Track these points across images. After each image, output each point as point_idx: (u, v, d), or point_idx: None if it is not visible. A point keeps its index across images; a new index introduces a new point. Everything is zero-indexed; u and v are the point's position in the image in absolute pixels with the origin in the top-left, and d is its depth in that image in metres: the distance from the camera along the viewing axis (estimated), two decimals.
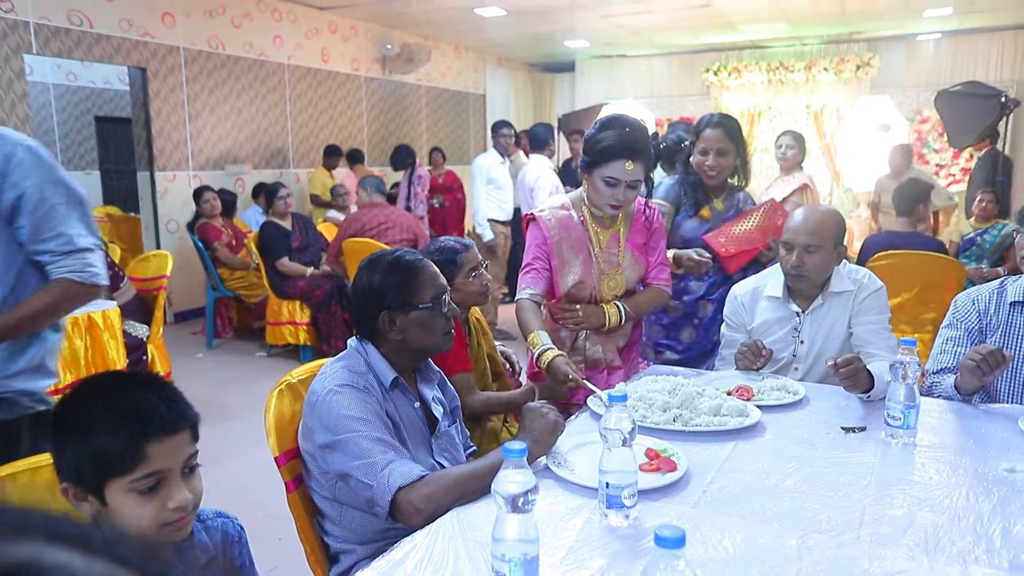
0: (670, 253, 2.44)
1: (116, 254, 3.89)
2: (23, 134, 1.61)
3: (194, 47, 6.12)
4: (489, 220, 5.64)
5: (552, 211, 2.21)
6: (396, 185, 6.85)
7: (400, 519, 1.36)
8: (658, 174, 3.31)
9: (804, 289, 2.16)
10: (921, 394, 2.00)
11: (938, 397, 1.99)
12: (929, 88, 7.84)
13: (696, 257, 2.47)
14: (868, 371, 1.85)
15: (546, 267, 2.17)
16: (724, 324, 2.33)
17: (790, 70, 8.78)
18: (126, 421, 1.04)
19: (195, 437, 1.12)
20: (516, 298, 2.14)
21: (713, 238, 2.60)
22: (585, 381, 1.87)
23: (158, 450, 1.04)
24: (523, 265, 2.19)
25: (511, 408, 2.13)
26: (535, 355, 1.98)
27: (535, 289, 2.12)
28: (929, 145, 8.29)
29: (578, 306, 2.18)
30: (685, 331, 2.66)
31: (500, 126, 5.85)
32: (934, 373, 2.08)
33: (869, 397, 1.87)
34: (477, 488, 1.36)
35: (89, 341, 3.05)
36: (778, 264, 2.24)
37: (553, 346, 1.96)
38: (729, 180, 2.67)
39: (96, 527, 0.33)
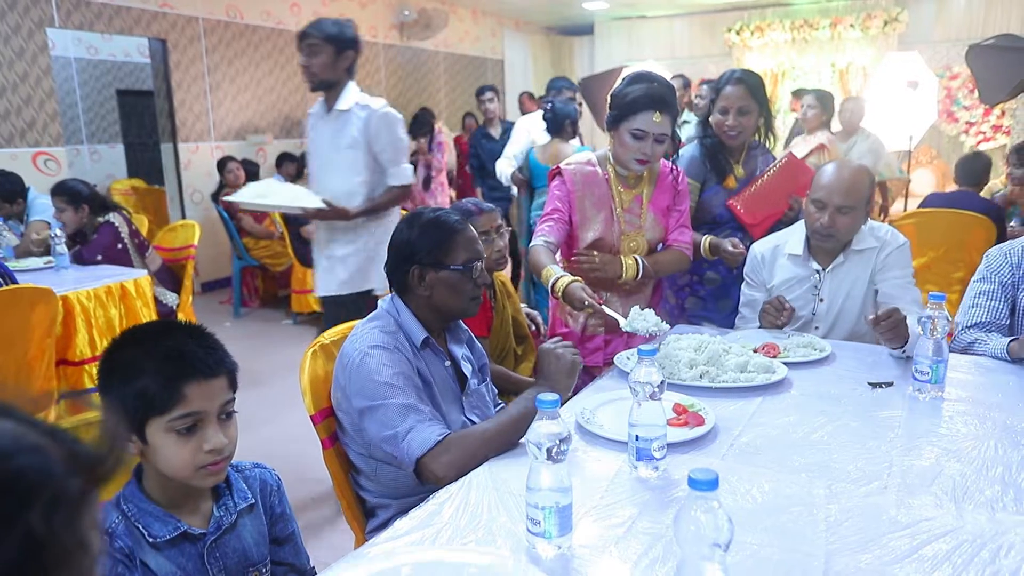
0: (706, 241, 2.36)
1: (143, 225, 3.94)
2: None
3: (213, 17, 6.11)
4: None
5: (578, 166, 2.21)
6: (416, 153, 6.81)
7: (429, 483, 1.40)
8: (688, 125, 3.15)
9: (828, 248, 2.14)
10: (954, 350, 1.97)
11: (979, 355, 1.94)
12: (960, 43, 7.61)
13: (731, 249, 2.30)
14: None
15: (564, 219, 2.17)
16: (744, 283, 2.33)
17: (815, 28, 8.58)
18: (167, 363, 1.10)
19: (232, 386, 1.16)
20: (530, 244, 2.15)
21: (738, 205, 2.47)
22: (602, 306, 1.87)
23: (196, 392, 1.10)
24: (542, 215, 2.21)
25: (518, 390, 2.10)
26: (550, 285, 1.96)
27: (549, 237, 2.13)
28: (959, 102, 8.09)
29: (595, 253, 2.17)
30: (721, 302, 2.63)
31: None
32: (967, 327, 2.04)
33: (904, 351, 1.86)
34: (503, 443, 1.40)
35: (123, 310, 3.12)
36: (800, 222, 2.21)
37: (567, 273, 1.96)
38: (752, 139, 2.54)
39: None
